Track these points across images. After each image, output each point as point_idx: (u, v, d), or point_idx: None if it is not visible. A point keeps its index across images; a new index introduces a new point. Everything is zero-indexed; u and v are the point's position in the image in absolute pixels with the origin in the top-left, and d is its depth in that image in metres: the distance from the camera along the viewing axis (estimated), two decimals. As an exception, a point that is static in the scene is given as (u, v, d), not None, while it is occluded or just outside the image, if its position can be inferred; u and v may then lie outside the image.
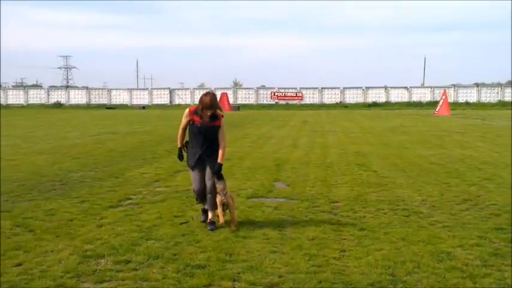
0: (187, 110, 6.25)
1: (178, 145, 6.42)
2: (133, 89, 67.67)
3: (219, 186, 6.15)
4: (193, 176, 6.35)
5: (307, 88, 61.61)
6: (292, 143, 16.81)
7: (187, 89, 65.97)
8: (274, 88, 62.16)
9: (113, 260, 4.91)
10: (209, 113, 6.03)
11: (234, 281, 4.45)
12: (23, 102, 63.29)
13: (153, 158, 12.79)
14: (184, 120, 6.27)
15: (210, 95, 6.07)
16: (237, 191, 8.48)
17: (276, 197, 8.03)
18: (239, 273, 4.63)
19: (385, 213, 6.97)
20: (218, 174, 6.17)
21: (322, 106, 56.47)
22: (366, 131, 21.70)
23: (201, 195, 6.34)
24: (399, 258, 5.03)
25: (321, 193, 8.33)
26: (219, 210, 6.17)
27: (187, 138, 6.43)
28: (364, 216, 6.80)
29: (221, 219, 6.17)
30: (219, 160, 6.19)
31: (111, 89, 65.72)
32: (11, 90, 69.12)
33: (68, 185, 8.99)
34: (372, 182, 9.42)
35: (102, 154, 13.55)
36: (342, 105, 56.85)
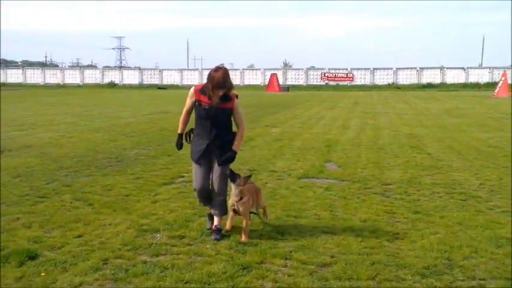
0: (192, 89, 5.10)
1: (179, 130, 5.28)
2: (184, 70, 68.51)
3: (234, 190, 5.01)
4: (195, 170, 5.18)
5: (358, 69, 60.41)
6: (342, 124, 16.59)
7: (237, 69, 66.14)
8: (324, 69, 61.33)
9: (168, 235, 5.04)
10: (220, 93, 4.83)
11: (286, 259, 4.47)
12: (79, 82, 65.42)
13: (204, 137, 12.92)
14: (188, 101, 5.09)
15: (222, 70, 4.83)
16: (287, 171, 8.48)
17: (327, 178, 7.97)
18: (291, 251, 4.64)
19: (440, 197, 6.78)
20: (230, 174, 5.01)
21: (373, 87, 55.31)
22: (420, 113, 21.09)
23: (205, 196, 5.21)
24: (455, 243, 4.89)
25: (372, 175, 8.19)
26: (229, 217, 5.17)
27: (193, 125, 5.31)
28: (418, 199, 6.64)
29: (228, 224, 5.13)
30: (234, 147, 5.04)
31: (162, 70, 66.84)
32: (67, 70, 71.58)
33: (123, 162, 9.26)
34: (426, 164, 9.17)
35: (155, 133, 13.84)
36: (394, 87, 55.43)
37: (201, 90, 4.99)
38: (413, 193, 6.98)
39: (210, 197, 5.20)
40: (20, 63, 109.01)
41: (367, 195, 6.84)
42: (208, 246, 4.76)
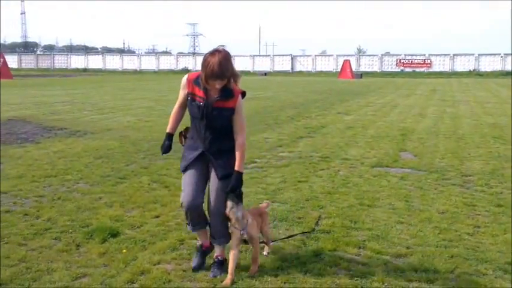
0: (185, 78, 3.88)
1: (168, 129, 4.06)
2: (256, 56, 68.88)
3: (233, 214, 3.72)
4: (184, 180, 3.92)
5: (436, 55, 57.94)
6: (419, 112, 16.01)
7: (309, 55, 65.59)
8: (400, 55, 59.39)
9: (241, 219, 5.11)
10: (217, 85, 3.63)
11: (360, 248, 4.40)
12: (154, 68, 67.66)
13: (275, 124, 12.98)
14: (181, 93, 3.90)
15: (220, 54, 3.57)
16: (360, 159, 8.32)
17: (402, 167, 7.73)
18: (364, 241, 4.56)
19: (526, 190, 6.39)
20: (235, 193, 3.72)
21: (452, 74, 52.88)
22: (504, 101, 19.91)
23: (194, 214, 3.89)
24: (543, 240, 4.59)
25: (451, 165, 7.85)
26: (231, 258, 3.75)
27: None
28: (501, 192, 6.29)
29: (229, 277, 3.68)
30: (236, 167, 3.75)
31: (234, 56, 67.55)
32: (144, 57, 74.19)
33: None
34: (510, 156, 8.65)
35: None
36: (475, 73, 52.66)
37: (196, 80, 3.78)
38: (495, 185, 6.62)
39: (202, 218, 3.95)
40: (100, 50, 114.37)
41: (446, 186, 6.57)
42: (280, 231, 4.78)
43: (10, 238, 4.50)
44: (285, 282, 3.71)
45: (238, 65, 65.07)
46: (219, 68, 3.53)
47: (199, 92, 3.74)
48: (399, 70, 57.24)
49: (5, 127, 11.69)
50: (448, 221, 5.13)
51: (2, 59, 40.14)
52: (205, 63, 3.58)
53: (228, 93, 3.71)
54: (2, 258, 4.04)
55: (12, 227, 4.79)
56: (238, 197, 3.71)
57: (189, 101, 3.83)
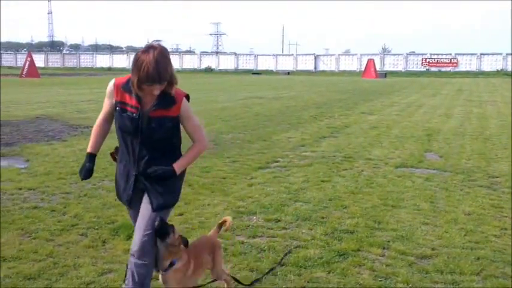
0: (111, 83, 3.12)
1: (89, 148, 3.27)
2: (279, 55, 68.82)
3: (161, 249, 3.05)
4: (134, 221, 3.28)
5: (463, 54, 57.01)
6: (445, 112, 15.77)
7: (333, 55, 65.26)
8: (425, 54, 58.62)
9: (264, 218, 5.12)
10: (155, 91, 2.90)
11: (384, 248, 4.36)
12: (178, 67, 68.21)
13: (298, 123, 12.94)
14: (106, 102, 3.16)
15: (156, 51, 2.84)
16: (384, 159, 8.24)
17: (427, 168, 7.63)
18: (389, 241, 4.52)
19: (555, 193, 6.24)
20: (161, 226, 3.01)
21: (480, 73, 51.92)
22: (532, 102, 19.47)
23: (149, 260, 3.09)
24: None
25: (478, 166, 7.72)
26: None
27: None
28: (529, 194, 6.16)
29: None
30: (176, 163, 3.06)
31: (257, 55, 67.67)
32: (168, 56, 74.96)
33: (220, 146, 9.52)
34: (539, 157, 8.46)
35: (250, 117, 14.07)
36: (503, 73, 51.59)
37: (126, 85, 3.02)
38: (523, 187, 6.49)
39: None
40: (124, 49, 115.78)
41: (472, 188, 6.47)
42: (304, 231, 4.77)
43: (38, 233, 4.60)
44: (308, 281, 3.71)
45: (262, 64, 65.19)
46: (156, 68, 2.78)
47: (131, 100, 2.96)
48: (424, 69, 56.53)
49: (33, 125, 11.93)
50: (475, 223, 5.04)
51: (29, 58, 40.97)
52: (137, 64, 2.83)
53: (168, 99, 2.96)
54: (31, 253, 4.13)
55: (40, 223, 4.89)
56: (165, 235, 2.99)
57: (118, 111, 3.01)
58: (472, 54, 56.57)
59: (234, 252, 4.20)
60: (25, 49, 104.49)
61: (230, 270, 3.87)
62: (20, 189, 6.12)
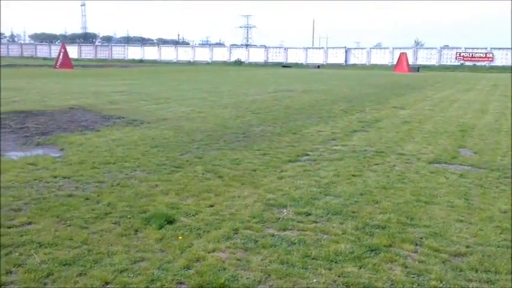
0: None
1: None
2: (309, 48, 68.36)
3: None
4: None
5: (499, 48, 55.48)
6: (479, 107, 15.41)
7: (364, 48, 64.43)
8: (460, 48, 57.30)
9: (294, 211, 5.11)
10: None
11: (416, 245, 4.30)
12: (208, 60, 68.49)
13: (328, 117, 12.85)
14: None
15: None
16: (417, 155, 8.11)
17: (461, 164, 7.47)
18: (421, 238, 4.45)
19: None
20: None
21: (515, 68, 50.47)
22: None
23: None
24: None
25: (514, 163, 7.52)
26: None
27: None
28: None
29: None
30: None
31: (287, 48, 67.37)
32: (198, 48, 75.24)
33: (250, 138, 9.53)
34: None
35: (280, 110, 14.03)
36: (540, 68, 50.05)
37: None
38: (563, 186, 6.29)
39: None
40: (155, 41, 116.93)
41: (508, 185, 6.30)
42: (334, 225, 4.74)
43: (73, 221, 4.70)
44: (339, 276, 3.69)
45: (291, 57, 64.87)
46: None
47: None
48: (459, 64, 55.29)
49: (67, 115, 12.18)
50: (511, 221, 4.92)
51: (63, 50, 41.80)
52: None
53: None
54: (66, 240, 4.22)
55: (75, 211, 4.99)
56: None
57: None
58: (509, 48, 54.97)
59: (264, 245, 4.20)
60: (59, 41, 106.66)
61: (260, 263, 3.88)
62: (55, 177, 6.26)
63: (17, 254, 3.92)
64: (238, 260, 3.92)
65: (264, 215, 4.99)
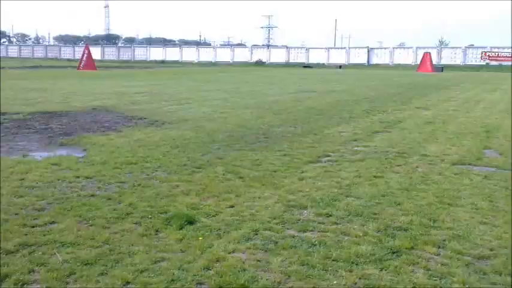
0: None
1: None
2: (331, 48, 68.03)
3: None
4: None
5: (525, 47, 54.32)
6: (505, 108, 15.10)
7: (386, 48, 63.85)
8: (485, 47, 56.30)
9: (315, 212, 5.07)
10: None
11: (439, 247, 4.23)
12: (229, 60, 68.69)
13: (350, 118, 12.75)
14: None
15: None
16: (440, 156, 7.99)
17: (486, 166, 7.33)
18: (444, 240, 4.38)
19: None
20: None
21: (542, 68, 49.35)
22: None
23: None
24: None
25: (541, 165, 7.34)
26: None
27: None
28: None
29: None
30: None
31: (309, 48, 67.15)
32: (219, 49, 75.54)
33: (270, 139, 9.51)
34: None
35: (301, 111, 13.97)
36: None
37: None
38: None
39: None
40: (177, 42, 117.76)
41: (535, 187, 6.16)
42: (355, 226, 4.69)
43: (95, 221, 4.75)
44: (360, 278, 3.65)
45: (313, 57, 64.65)
46: None
47: None
48: (484, 63, 54.32)
49: (90, 115, 12.35)
50: (537, 224, 4.80)
51: (87, 51, 42.42)
52: None
53: None
54: (88, 240, 4.27)
55: (97, 211, 5.05)
56: None
57: None
58: (536, 47, 53.89)
59: (284, 246, 4.19)
60: (82, 42, 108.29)
61: (280, 264, 3.87)
62: (78, 177, 6.34)
63: (40, 252, 3.98)
64: (258, 260, 3.91)
65: (284, 216, 4.97)
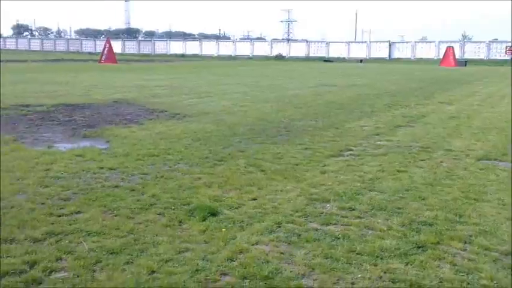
0: None
1: None
2: (351, 42, 67.45)
3: None
4: None
5: (551, 41, 53.13)
6: (530, 103, 14.80)
7: (408, 42, 63.07)
8: (509, 42, 55.18)
9: (338, 206, 5.05)
10: None
11: (465, 243, 4.17)
12: (249, 54, 68.61)
13: (371, 112, 12.63)
14: None
15: None
16: (465, 151, 7.87)
17: (512, 161, 7.20)
18: (471, 235, 4.31)
19: None
20: None
21: None
22: None
23: None
24: None
25: None
26: None
27: None
28: None
29: None
30: None
31: (329, 42, 66.69)
32: (238, 43, 75.45)
33: (292, 132, 9.48)
34: None
35: (321, 105, 13.89)
36: None
37: None
38: None
39: None
40: (197, 36, 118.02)
41: (563, 184, 6.02)
42: (379, 220, 4.65)
43: (119, 211, 4.80)
44: (384, 272, 3.62)
45: (333, 51, 64.19)
46: None
47: None
48: (508, 58, 53.26)
49: (112, 108, 12.46)
50: None
51: (108, 45, 42.77)
52: None
53: None
54: (113, 229, 4.31)
55: (121, 201, 5.09)
56: None
57: None
58: (562, 41, 52.68)
59: (307, 239, 4.17)
60: (103, 36, 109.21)
61: (304, 257, 3.85)
62: (102, 168, 6.41)
63: (66, 241, 4.04)
64: (282, 253, 3.90)
65: (306, 209, 4.95)
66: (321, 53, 65.27)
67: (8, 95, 14.15)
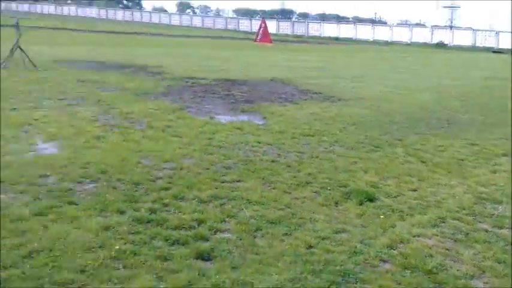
0: None
1: None
2: (525, 33, 60.71)
3: None
4: None
5: None
6: None
7: None
8: None
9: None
10: None
11: None
12: (407, 41, 65.56)
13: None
14: None
15: None
16: None
17: None
18: None
19: None
20: None
21: None
22: None
23: None
24: None
25: None
26: None
27: None
28: None
29: None
30: None
31: (499, 32, 60.80)
32: (395, 28, 72.41)
33: (455, 125, 8.84)
34: None
35: (491, 99, 12.71)
36: None
37: None
38: None
39: None
40: (351, 20, 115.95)
41: None
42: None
43: (277, 185, 4.90)
44: None
45: (504, 41, 58.47)
46: None
47: None
48: None
49: (267, 86, 12.79)
50: None
51: (263, 25, 44.01)
52: None
53: None
54: (271, 201, 4.42)
55: (278, 176, 5.21)
56: None
57: None
58: None
59: (476, 239, 3.85)
60: (259, 15, 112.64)
61: (473, 257, 3.55)
62: (259, 142, 6.61)
63: (229, 206, 4.25)
64: (447, 249, 3.66)
65: (475, 208, 4.57)
66: (490, 43, 59.71)
67: (176, 67, 15.32)
